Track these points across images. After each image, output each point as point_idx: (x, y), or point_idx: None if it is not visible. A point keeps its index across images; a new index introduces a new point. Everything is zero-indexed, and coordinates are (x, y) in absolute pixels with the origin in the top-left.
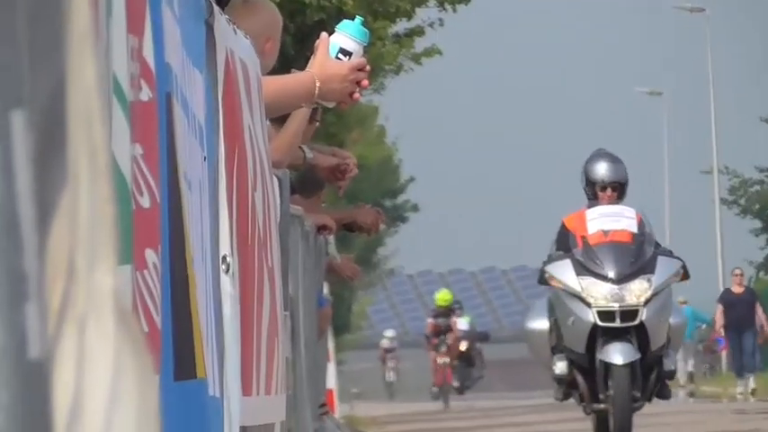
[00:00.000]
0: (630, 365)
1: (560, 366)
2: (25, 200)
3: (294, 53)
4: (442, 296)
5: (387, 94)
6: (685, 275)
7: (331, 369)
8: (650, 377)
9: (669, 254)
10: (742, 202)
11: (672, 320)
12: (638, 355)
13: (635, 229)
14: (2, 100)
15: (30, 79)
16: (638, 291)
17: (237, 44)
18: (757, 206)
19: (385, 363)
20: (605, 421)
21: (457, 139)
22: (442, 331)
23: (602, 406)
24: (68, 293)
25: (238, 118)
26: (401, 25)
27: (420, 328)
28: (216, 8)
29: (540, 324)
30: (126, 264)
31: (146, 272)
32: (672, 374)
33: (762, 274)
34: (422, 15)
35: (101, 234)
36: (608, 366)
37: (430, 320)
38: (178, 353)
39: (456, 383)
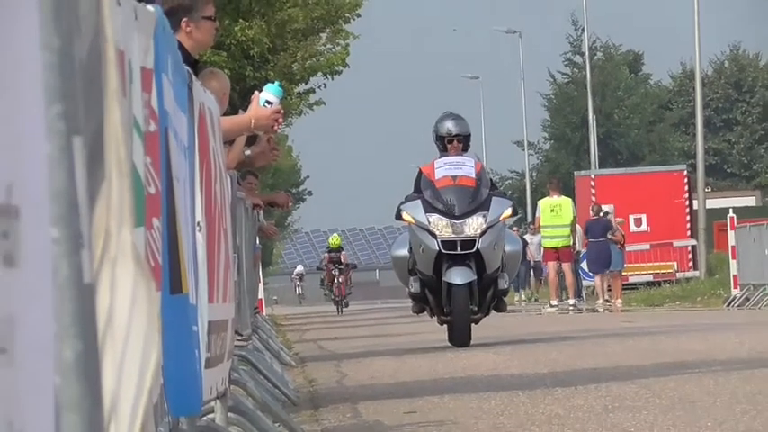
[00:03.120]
0: (468, 285)
1: (415, 286)
2: (82, 190)
3: (239, 104)
4: (334, 239)
5: (294, 127)
6: (514, 212)
7: (260, 287)
8: (487, 294)
9: (502, 195)
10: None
11: (507, 248)
12: (474, 277)
13: (473, 175)
14: (68, 130)
15: (84, 118)
16: (474, 225)
17: (206, 98)
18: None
19: (295, 284)
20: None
21: (336, 152)
22: (333, 262)
23: (447, 318)
24: (106, 244)
25: (206, 141)
26: (301, 87)
27: (313, 264)
28: (194, 77)
29: (402, 251)
30: (140, 226)
31: (153, 231)
32: (505, 292)
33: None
34: (314, 81)
35: (125, 209)
36: (450, 286)
37: (325, 254)
38: (171, 277)
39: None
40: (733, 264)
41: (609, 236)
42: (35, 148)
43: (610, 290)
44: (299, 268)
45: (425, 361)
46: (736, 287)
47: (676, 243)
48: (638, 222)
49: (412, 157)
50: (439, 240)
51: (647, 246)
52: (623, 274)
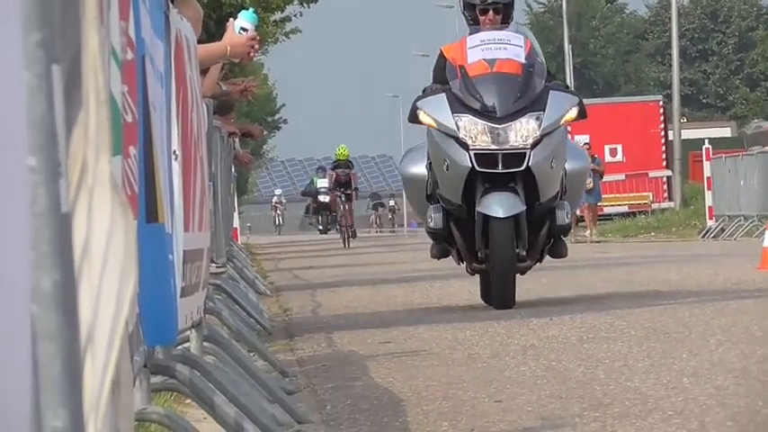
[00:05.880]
0: (514, 219)
1: (435, 219)
2: (60, 117)
3: (215, 31)
4: (342, 150)
5: (269, 55)
6: (582, 114)
7: (235, 216)
8: (540, 233)
9: (564, 88)
10: None
11: (569, 166)
12: (522, 207)
13: (523, 59)
14: (47, 58)
15: (61, 46)
16: (524, 131)
17: (183, 25)
18: None
19: (275, 211)
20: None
21: (312, 81)
22: (341, 181)
23: (482, 266)
24: (83, 173)
25: (183, 69)
26: (277, 15)
27: (287, 194)
28: (170, 4)
29: (417, 169)
30: (118, 155)
31: (129, 160)
32: (566, 229)
33: None
34: (290, 9)
35: (102, 137)
36: (487, 220)
37: (330, 172)
38: (148, 206)
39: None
40: (708, 195)
41: (592, 165)
42: (13, 76)
43: (582, 221)
44: (278, 192)
45: (400, 291)
46: (711, 218)
47: (651, 174)
48: (613, 152)
49: (388, 86)
50: (472, 153)
51: (622, 176)
52: (598, 204)
